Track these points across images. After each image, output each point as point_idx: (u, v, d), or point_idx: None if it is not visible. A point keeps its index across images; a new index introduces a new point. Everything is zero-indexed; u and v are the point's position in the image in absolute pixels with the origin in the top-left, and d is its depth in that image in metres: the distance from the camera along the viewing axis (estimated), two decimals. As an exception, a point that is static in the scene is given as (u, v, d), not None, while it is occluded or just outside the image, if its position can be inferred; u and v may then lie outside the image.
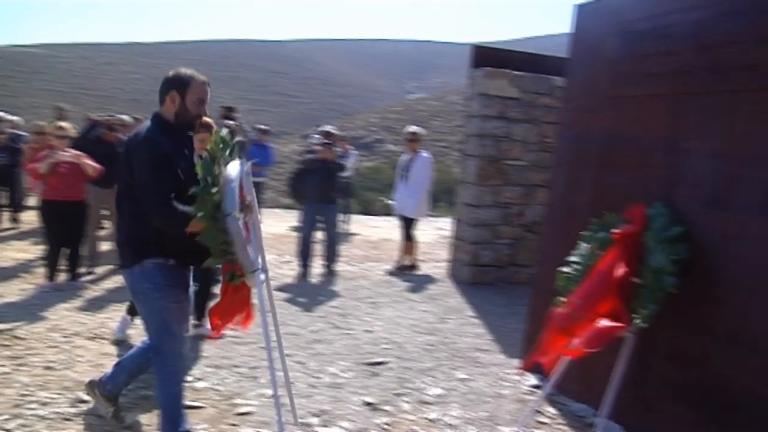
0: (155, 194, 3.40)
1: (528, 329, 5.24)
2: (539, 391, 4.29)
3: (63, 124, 7.85)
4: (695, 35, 3.88)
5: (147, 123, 3.62)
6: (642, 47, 4.29)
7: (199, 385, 4.83)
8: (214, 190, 3.47)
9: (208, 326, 4.49)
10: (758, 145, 3.46)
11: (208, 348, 5.61)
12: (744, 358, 3.48)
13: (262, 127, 13.13)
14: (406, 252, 9.48)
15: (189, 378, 4.82)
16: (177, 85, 3.56)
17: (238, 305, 3.73)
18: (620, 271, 3.60)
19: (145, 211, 3.44)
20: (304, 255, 8.75)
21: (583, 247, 4.18)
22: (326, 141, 8.80)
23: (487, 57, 8.63)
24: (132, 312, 5.55)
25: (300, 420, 4.33)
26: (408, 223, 9.30)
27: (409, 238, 9.38)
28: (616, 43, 4.52)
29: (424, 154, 9.19)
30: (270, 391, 4.72)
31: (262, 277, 3.78)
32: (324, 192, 8.60)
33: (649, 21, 4.24)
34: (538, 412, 4.48)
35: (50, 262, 7.43)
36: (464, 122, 8.94)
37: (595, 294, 3.68)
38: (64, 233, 7.43)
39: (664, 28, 4.12)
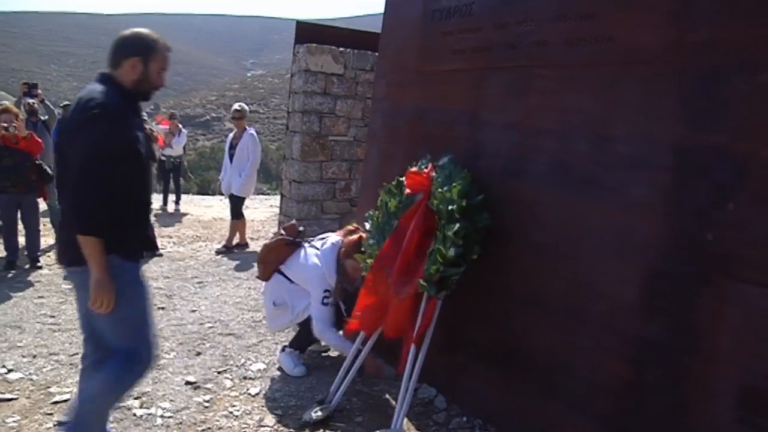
0: (96, 185, 2.89)
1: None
2: (357, 360, 4.40)
3: None
4: (494, 13, 4.05)
5: (96, 86, 3.03)
6: (447, 24, 4.43)
7: (12, 376, 4.62)
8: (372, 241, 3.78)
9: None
10: (548, 118, 3.66)
11: (23, 337, 5.38)
12: (535, 317, 3.71)
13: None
14: (235, 230, 9.41)
15: (2, 370, 4.66)
16: (140, 50, 3.11)
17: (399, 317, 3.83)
18: (414, 238, 3.75)
19: (71, 201, 2.97)
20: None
21: (376, 214, 4.33)
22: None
23: (311, 33, 8.66)
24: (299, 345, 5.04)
25: (120, 404, 4.25)
26: (236, 202, 9.19)
27: (237, 216, 9.28)
28: (424, 20, 4.65)
29: (251, 131, 9.10)
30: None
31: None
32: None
33: (453, -1, 4.39)
34: (357, 379, 4.59)
35: None
36: (288, 98, 8.95)
37: (393, 260, 3.83)
38: None
39: (466, 6, 4.27)
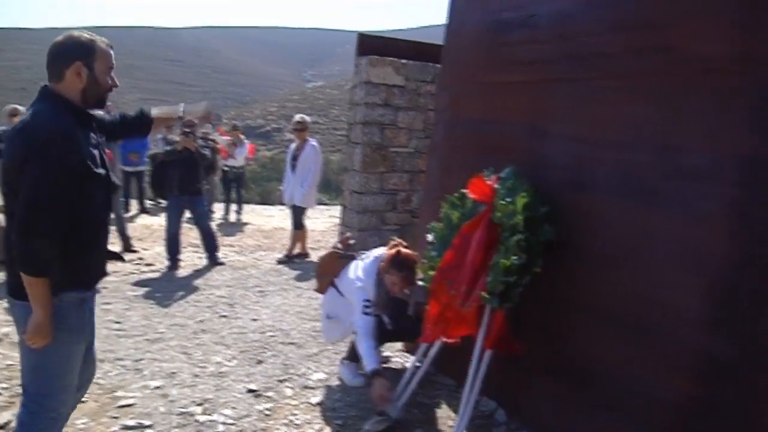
0: (44, 221, 2.64)
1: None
2: (419, 370, 4.40)
3: None
4: (555, 24, 4.04)
5: (41, 109, 2.75)
6: (509, 36, 4.42)
7: (80, 379, 4.75)
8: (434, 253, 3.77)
9: None
10: (610, 129, 3.63)
11: (89, 342, 5.51)
12: (598, 330, 3.67)
13: None
14: (296, 240, 9.51)
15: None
16: (81, 53, 2.80)
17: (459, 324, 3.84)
18: (478, 250, 3.74)
19: (17, 237, 2.67)
20: (172, 250, 8.67)
21: (439, 226, 4.33)
22: (186, 130, 8.61)
23: (373, 45, 8.71)
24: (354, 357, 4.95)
25: (182, 410, 4.34)
26: (297, 212, 9.29)
27: (298, 226, 9.38)
28: (486, 31, 4.65)
29: (312, 142, 9.19)
30: (153, 383, 4.72)
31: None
32: (187, 184, 8.48)
33: (515, 11, 4.37)
34: (419, 391, 4.59)
35: None
36: (350, 110, 9.01)
37: (455, 271, 3.83)
38: None
39: (528, 18, 4.25)
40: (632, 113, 3.51)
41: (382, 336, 4.74)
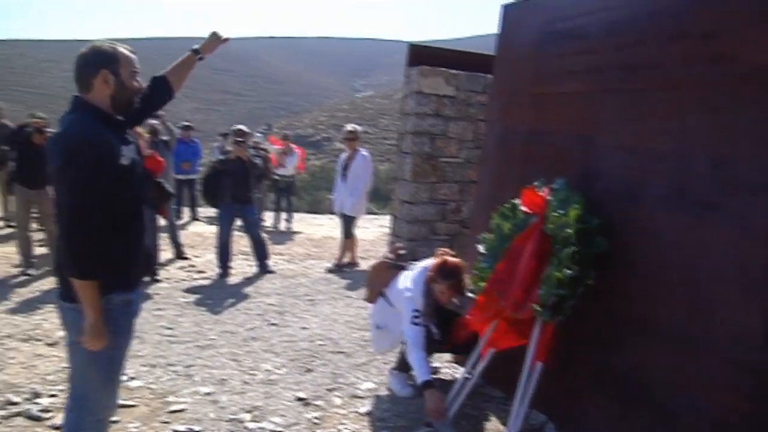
0: (87, 226, 2.75)
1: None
2: (468, 382, 4.38)
3: None
4: (609, 34, 4.00)
5: (73, 118, 2.85)
6: (561, 46, 4.40)
7: (133, 384, 4.84)
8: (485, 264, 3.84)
9: None
10: (665, 140, 3.58)
11: (143, 347, 5.61)
12: (651, 344, 3.61)
13: (185, 123, 13.37)
14: (346, 249, 9.55)
15: (123, 377, 4.83)
16: (105, 61, 2.89)
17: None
18: (530, 262, 3.72)
19: (64, 244, 2.79)
20: (223, 258, 8.79)
21: (490, 237, 4.31)
22: (239, 140, 8.73)
23: (423, 55, 8.71)
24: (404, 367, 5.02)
25: (231, 416, 4.39)
26: (347, 221, 9.36)
27: (348, 235, 9.44)
28: (538, 41, 4.63)
29: (363, 152, 9.25)
30: (204, 389, 4.78)
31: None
32: (239, 192, 8.62)
33: (568, 21, 4.35)
34: (466, 402, 4.57)
35: None
36: (401, 120, 9.03)
37: (506, 283, 3.81)
38: None
39: (581, 28, 4.23)
40: (686, 124, 3.45)
41: (431, 347, 4.73)
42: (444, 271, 4.54)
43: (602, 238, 3.74)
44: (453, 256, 4.70)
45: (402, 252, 5.25)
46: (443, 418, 4.25)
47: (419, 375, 4.36)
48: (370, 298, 5.24)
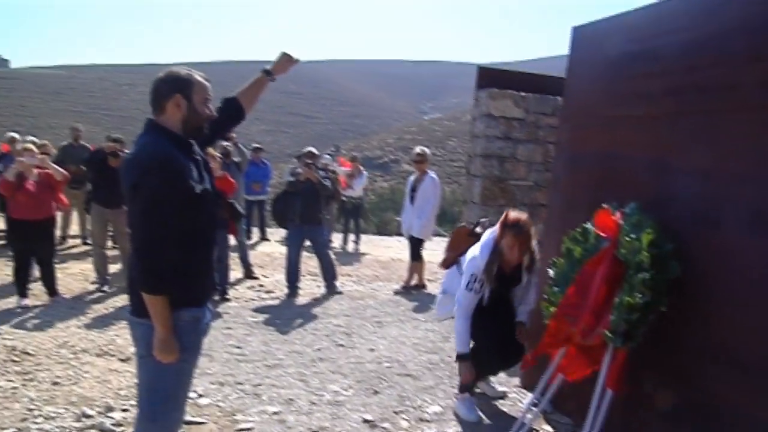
0: (159, 244, 2.83)
1: (528, 347, 5.27)
2: (535, 409, 4.33)
3: (35, 139, 8.04)
4: (682, 56, 3.94)
5: (146, 140, 2.96)
6: (634, 68, 4.34)
7: (202, 401, 4.91)
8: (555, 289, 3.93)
9: None
10: (741, 164, 3.50)
11: (212, 365, 5.69)
12: (727, 374, 3.51)
13: (256, 145, 13.66)
14: (413, 272, 9.55)
15: (192, 394, 4.90)
16: (179, 86, 2.97)
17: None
18: (601, 288, 3.66)
19: (136, 260, 2.87)
20: (292, 278, 8.88)
21: (560, 261, 4.26)
22: (308, 161, 8.83)
23: (492, 78, 8.71)
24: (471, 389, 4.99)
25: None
26: (415, 243, 9.35)
27: (416, 258, 9.43)
28: (610, 64, 4.59)
29: (432, 174, 9.25)
30: (271, 408, 4.82)
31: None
32: (308, 213, 8.69)
33: (640, 42, 4.30)
34: (534, 429, 4.52)
35: (19, 279, 7.65)
36: (469, 142, 9.02)
37: (577, 308, 3.76)
38: (31, 252, 7.67)
39: (654, 50, 4.17)
40: (764, 147, 3.37)
41: (490, 366, 4.86)
42: (507, 224, 4.59)
43: (676, 263, 3.66)
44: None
45: (483, 220, 5.29)
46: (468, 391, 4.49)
47: (458, 344, 4.59)
48: (444, 264, 5.38)
